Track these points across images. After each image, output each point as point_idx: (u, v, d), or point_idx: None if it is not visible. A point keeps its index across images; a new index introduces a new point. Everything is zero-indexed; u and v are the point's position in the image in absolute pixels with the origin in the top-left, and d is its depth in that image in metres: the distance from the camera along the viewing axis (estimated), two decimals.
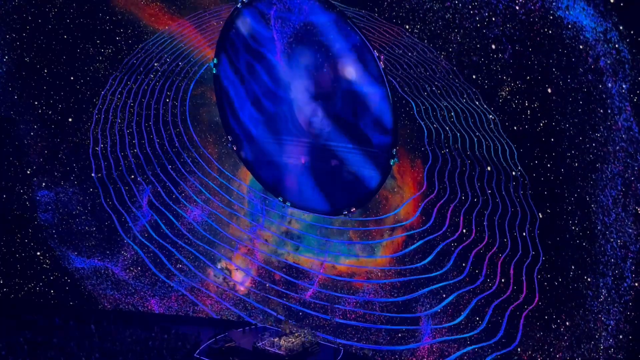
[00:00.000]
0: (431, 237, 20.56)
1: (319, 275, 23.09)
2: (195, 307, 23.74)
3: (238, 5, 22.05)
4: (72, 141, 23.29)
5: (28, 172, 22.59)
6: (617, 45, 13.70)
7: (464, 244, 19.75)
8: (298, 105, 22.47)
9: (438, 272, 20.13)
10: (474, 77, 18.63)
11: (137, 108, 24.18)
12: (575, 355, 17.15)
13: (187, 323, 22.43)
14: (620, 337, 16.06)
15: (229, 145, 24.67)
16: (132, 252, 23.62)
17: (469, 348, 18.94)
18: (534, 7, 14.94)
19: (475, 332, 18.91)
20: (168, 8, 23.83)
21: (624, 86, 14.35)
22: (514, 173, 18.71)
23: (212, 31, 23.95)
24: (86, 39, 22.98)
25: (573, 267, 17.13)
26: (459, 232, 19.92)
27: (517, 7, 15.41)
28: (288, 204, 23.85)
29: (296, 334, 18.93)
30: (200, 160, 24.99)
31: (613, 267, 16.15)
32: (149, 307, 23.76)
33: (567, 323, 17.32)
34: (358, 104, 20.99)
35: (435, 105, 20.47)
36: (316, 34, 20.85)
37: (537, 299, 18.02)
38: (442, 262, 20.08)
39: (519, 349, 18.23)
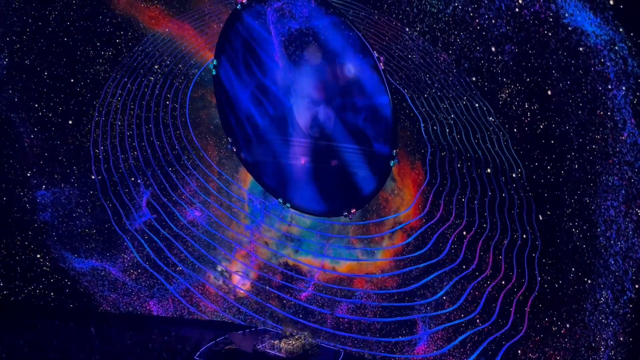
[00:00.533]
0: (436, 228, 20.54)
1: (316, 277, 23.09)
2: (195, 309, 23.74)
3: (238, 7, 22.08)
4: (72, 143, 23.30)
5: (28, 174, 22.60)
6: (622, 53, 13.69)
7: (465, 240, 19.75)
8: (298, 106, 22.49)
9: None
10: (474, 78, 18.62)
11: (137, 110, 24.19)
12: (575, 356, 17.13)
13: (187, 325, 22.46)
14: (621, 339, 16.04)
15: (229, 146, 24.69)
16: (132, 254, 23.63)
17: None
18: (540, 12, 14.92)
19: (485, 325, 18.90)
20: (168, 10, 23.84)
21: (623, 88, 14.36)
22: (514, 175, 18.68)
23: (212, 33, 23.96)
24: (86, 41, 22.98)
25: (573, 269, 17.11)
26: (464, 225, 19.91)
27: (525, 12, 15.39)
28: (288, 205, 23.85)
29: (296, 337, 18.95)
30: (200, 163, 25.00)
31: (614, 268, 16.13)
32: (149, 309, 23.76)
33: (567, 325, 17.30)
34: (358, 104, 21.01)
35: (435, 107, 20.46)
36: (315, 36, 20.87)
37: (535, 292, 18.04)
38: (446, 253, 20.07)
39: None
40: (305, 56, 21.41)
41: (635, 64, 13.74)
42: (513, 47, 16.29)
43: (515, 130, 18.13)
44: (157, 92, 24.42)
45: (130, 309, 23.51)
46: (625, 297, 15.60)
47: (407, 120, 20.60)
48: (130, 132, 24.17)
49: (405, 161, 21.31)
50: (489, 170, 19.23)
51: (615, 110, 14.45)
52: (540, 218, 18.12)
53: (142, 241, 23.74)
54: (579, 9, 13.95)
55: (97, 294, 23.30)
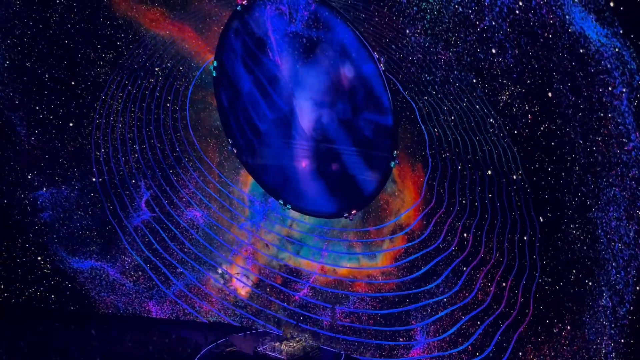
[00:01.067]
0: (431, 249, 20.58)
1: (313, 277, 23.10)
2: (195, 311, 23.73)
3: (238, 9, 22.08)
4: (73, 145, 23.30)
5: (29, 176, 22.60)
6: (623, 55, 13.67)
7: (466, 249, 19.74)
8: (299, 108, 22.48)
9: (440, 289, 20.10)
10: (474, 80, 18.61)
11: (138, 112, 24.20)
12: (576, 357, 17.12)
13: (188, 327, 22.43)
14: (622, 341, 16.02)
15: (229, 148, 24.69)
16: (132, 257, 23.64)
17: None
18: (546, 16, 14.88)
19: (469, 342, 18.88)
20: (169, 13, 23.85)
21: (624, 90, 14.34)
22: (514, 177, 18.67)
23: (212, 35, 23.96)
24: (87, 43, 23.00)
25: (574, 272, 17.09)
26: (457, 239, 19.91)
27: (529, 16, 15.36)
28: (289, 206, 23.85)
29: (297, 339, 18.92)
30: (200, 165, 25.01)
31: (615, 270, 16.10)
32: (149, 311, 23.76)
33: (568, 327, 17.28)
34: (358, 106, 21.00)
35: (436, 108, 20.47)
36: (317, 38, 20.86)
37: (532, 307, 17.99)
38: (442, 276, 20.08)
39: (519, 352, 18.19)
40: (307, 58, 21.41)
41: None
42: (516, 51, 16.28)
43: (515, 131, 18.14)
44: (157, 94, 24.44)
45: (130, 310, 23.51)
46: (625, 309, 15.62)
47: (407, 122, 20.61)
48: (131, 134, 24.18)
49: (405, 163, 21.31)
50: (489, 172, 19.24)
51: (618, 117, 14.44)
52: (542, 218, 18.11)
53: (142, 244, 23.75)
54: (584, 19, 13.94)
55: (97, 295, 23.30)
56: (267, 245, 24.75)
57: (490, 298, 18.52)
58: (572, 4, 13.95)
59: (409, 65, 20.60)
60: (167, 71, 24.37)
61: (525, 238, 18.27)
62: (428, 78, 20.25)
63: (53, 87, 22.63)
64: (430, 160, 20.61)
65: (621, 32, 13.33)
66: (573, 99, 15.44)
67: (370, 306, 21.72)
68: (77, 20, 22.58)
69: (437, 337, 19.53)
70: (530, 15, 15.31)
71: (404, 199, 21.78)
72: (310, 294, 23.06)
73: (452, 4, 17.69)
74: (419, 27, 19.18)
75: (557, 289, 17.47)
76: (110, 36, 23.29)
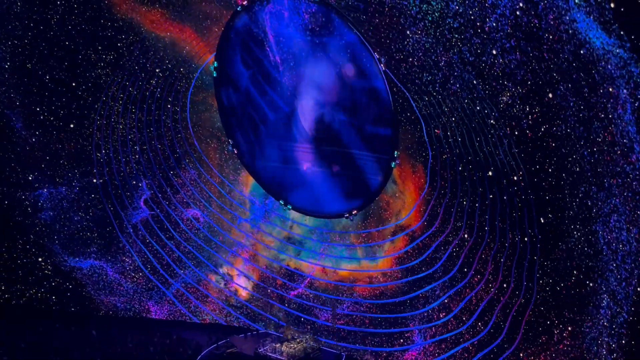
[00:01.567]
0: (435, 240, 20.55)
1: (308, 278, 23.10)
2: (196, 312, 23.72)
3: (238, 9, 22.11)
4: (74, 146, 23.32)
5: (30, 178, 22.62)
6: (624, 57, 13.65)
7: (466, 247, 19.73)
8: (299, 108, 22.50)
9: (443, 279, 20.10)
10: (475, 82, 18.60)
11: (139, 113, 24.23)
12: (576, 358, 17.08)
13: (188, 328, 22.42)
14: (622, 341, 15.99)
15: (230, 149, 24.70)
16: (132, 257, 23.65)
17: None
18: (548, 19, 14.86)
19: (479, 336, 18.87)
20: (169, 14, 23.87)
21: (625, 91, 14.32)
22: (515, 177, 18.65)
23: (213, 36, 23.98)
24: (88, 45, 23.03)
25: (575, 272, 17.07)
26: (460, 235, 19.89)
27: (532, 18, 15.34)
28: (289, 207, 23.85)
29: (298, 340, 18.92)
30: (200, 166, 25.01)
31: (615, 271, 16.08)
32: (149, 312, 23.75)
33: (569, 328, 17.25)
34: (359, 106, 21.02)
35: (437, 108, 20.46)
36: (315, 37, 20.88)
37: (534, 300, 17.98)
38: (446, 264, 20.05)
39: (520, 354, 18.16)
40: (307, 58, 21.43)
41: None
42: (520, 54, 16.27)
43: (516, 133, 18.12)
44: (158, 95, 24.45)
45: (130, 310, 23.51)
46: (621, 319, 15.61)
47: (408, 123, 20.60)
48: (132, 136, 24.21)
49: (406, 164, 21.30)
50: (490, 174, 19.22)
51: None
52: (542, 221, 18.09)
53: (142, 244, 23.75)
54: (590, 28, 13.93)
55: (97, 296, 23.30)
56: (267, 246, 24.75)
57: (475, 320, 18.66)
58: (578, 12, 13.97)
59: (409, 65, 20.60)
60: (167, 72, 24.39)
61: (525, 262, 18.34)
62: (429, 77, 20.25)
63: (54, 88, 22.65)
64: (430, 160, 20.59)
65: (629, 46, 13.34)
66: (576, 104, 15.45)
67: (369, 307, 21.70)
68: (78, 22, 22.61)
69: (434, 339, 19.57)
70: (534, 19, 15.31)
71: (405, 200, 21.78)
72: (310, 294, 23.04)
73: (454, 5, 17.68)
74: (421, 27, 19.17)
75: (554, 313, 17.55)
76: (111, 37, 23.32)
